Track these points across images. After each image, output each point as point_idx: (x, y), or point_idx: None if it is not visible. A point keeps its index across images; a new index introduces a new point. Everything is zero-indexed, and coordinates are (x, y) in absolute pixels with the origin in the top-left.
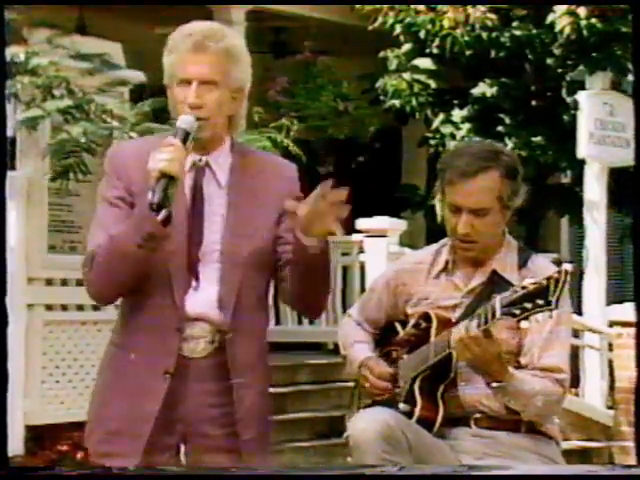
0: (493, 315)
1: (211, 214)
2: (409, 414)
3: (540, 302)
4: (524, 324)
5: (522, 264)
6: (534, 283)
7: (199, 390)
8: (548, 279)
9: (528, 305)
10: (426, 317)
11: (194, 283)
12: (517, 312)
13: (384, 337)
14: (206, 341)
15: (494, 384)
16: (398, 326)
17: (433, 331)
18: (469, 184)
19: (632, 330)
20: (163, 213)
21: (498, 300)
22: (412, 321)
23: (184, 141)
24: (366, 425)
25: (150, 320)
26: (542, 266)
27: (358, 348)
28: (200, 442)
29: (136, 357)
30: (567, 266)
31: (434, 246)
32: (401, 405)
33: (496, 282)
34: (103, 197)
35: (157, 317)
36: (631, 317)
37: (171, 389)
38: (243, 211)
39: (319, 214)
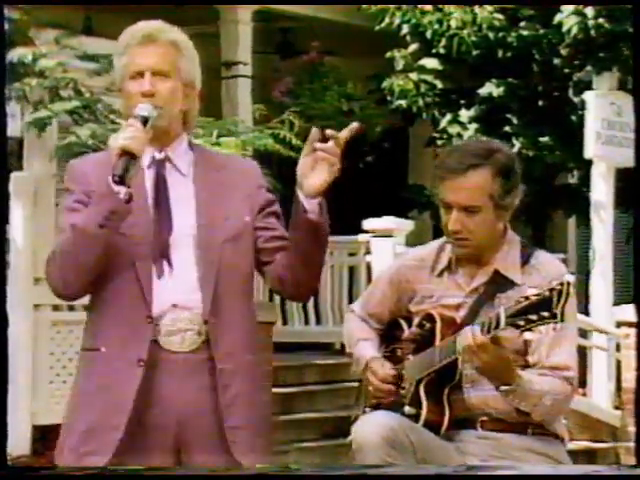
0: (497, 325)
1: (178, 201)
2: (415, 417)
3: (545, 314)
4: (528, 335)
5: (525, 261)
6: (537, 294)
7: (191, 386)
8: (551, 290)
9: (533, 317)
10: (430, 317)
11: (167, 269)
12: (521, 323)
13: (389, 333)
14: (194, 333)
15: (503, 387)
16: (403, 323)
17: (438, 332)
18: (459, 181)
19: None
20: (125, 191)
21: (502, 310)
22: (416, 320)
23: (144, 125)
24: (370, 429)
25: (119, 312)
26: (545, 262)
27: (363, 346)
28: (198, 438)
29: (107, 349)
30: (569, 278)
31: (437, 242)
32: (407, 408)
33: (499, 281)
34: (65, 208)
35: (126, 308)
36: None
37: (159, 385)
38: (211, 200)
39: (313, 164)
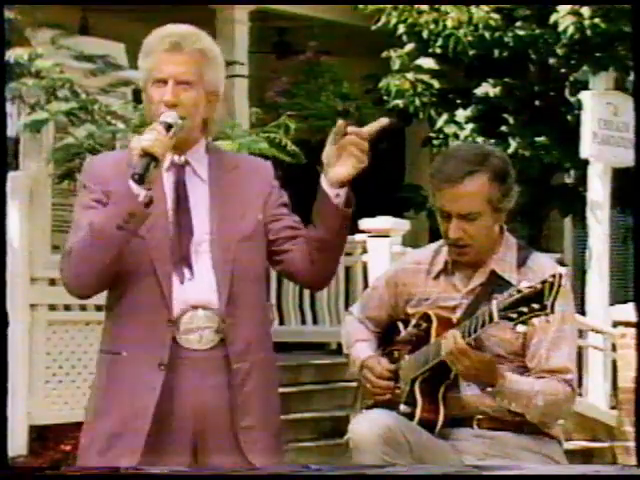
0: (490, 319)
1: (196, 206)
2: (410, 415)
3: (536, 306)
4: (520, 328)
5: (521, 263)
6: (529, 287)
7: (209, 384)
8: (543, 283)
9: (524, 309)
10: (426, 317)
11: (188, 274)
12: (514, 316)
13: (386, 336)
14: (211, 331)
15: (489, 389)
16: (400, 325)
17: (433, 331)
18: (456, 189)
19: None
20: (144, 194)
21: (495, 304)
22: (413, 321)
23: (167, 132)
24: (366, 427)
25: (139, 316)
26: (542, 264)
27: (360, 347)
28: (215, 438)
29: (128, 354)
30: (561, 270)
31: (433, 245)
32: (402, 406)
33: (495, 282)
34: (80, 204)
35: (146, 312)
36: (634, 317)
37: (178, 383)
38: (226, 201)
39: (339, 154)
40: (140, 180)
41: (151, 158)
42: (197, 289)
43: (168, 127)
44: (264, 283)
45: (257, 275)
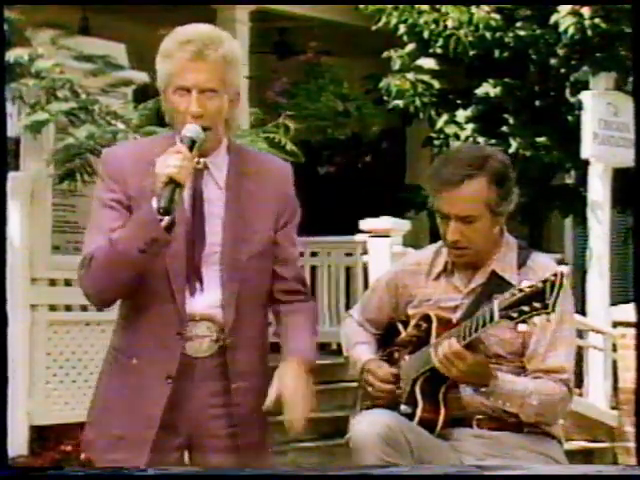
0: (491, 318)
1: (211, 216)
2: (411, 416)
3: (537, 305)
4: (522, 327)
5: (522, 263)
6: (530, 286)
7: (203, 390)
8: (544, 282)
9: (526, 308)
10: (426, 318)
11: (198, 285)
12: (515, 315)
13: (386, 338)
14: (211, 340)
15: (482, 389)
16: (400, 327)
17: (433, 332)
18: (454, 193)
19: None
20: (167, 219)
21: (496, 303)
22: (413, 322)
23: (190, 149)
24: (366, 427)
25: (151, 324)
26: (542, 264)
27: (360, 350)
28: (206, 441)
29: (138, 362)
30: (563, 269)
31: (433, 246)
32: (402, 407)
33: (496, 282)
34: (99, 199)
35: (158, 321)
36: (634, 317)
37: (174, 390)
38: (241, 213)
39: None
40: (165, 213)
41: (175, 185)
42: (203, 303)
43: (191, 143)
44: (267, 297)
45: (262, 292)
